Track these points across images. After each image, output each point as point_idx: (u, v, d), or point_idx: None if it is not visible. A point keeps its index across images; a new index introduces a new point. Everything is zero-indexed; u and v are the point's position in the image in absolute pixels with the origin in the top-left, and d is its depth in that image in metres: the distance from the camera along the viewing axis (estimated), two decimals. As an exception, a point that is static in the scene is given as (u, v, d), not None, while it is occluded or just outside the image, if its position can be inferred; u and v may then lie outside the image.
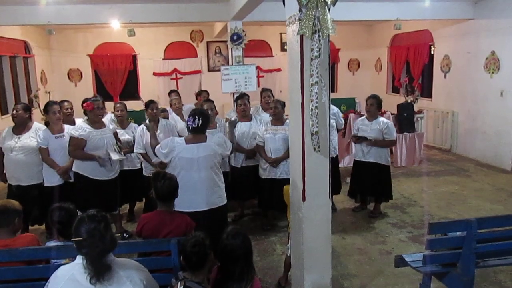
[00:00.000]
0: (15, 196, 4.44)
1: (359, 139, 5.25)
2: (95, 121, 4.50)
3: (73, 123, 4.93)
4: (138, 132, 4.94)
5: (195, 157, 3.52)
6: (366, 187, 5.36)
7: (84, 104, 4.52)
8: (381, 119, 5.25)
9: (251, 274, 2.36)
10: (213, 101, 5.26)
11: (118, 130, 4.93)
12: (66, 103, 5.04)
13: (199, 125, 3.53)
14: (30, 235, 2.90)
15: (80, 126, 4.47)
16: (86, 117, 4.56)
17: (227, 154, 3.88)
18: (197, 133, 3.58)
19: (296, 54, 2.76)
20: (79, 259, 1.91)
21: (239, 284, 2.30)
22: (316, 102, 2.71)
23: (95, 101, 4.51)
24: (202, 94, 6.94)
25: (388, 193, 5.38)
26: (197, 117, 3.53)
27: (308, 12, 2.58)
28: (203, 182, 3.55)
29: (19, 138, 4.57)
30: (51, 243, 2.78)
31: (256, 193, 5.25)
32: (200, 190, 3.54)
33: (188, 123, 3.59)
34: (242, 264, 2.33)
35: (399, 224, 5.15)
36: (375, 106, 5.21)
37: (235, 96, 6.31)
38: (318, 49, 2.65)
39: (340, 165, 6.65)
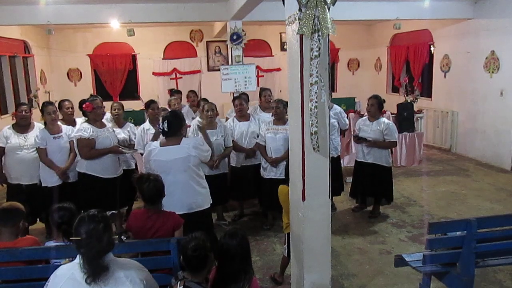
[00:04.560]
0: (17, 195, 4.45)
1: (359, 140, 5.23)
2: (96, 120, 4.48)
3: (73, 122, 4.93)
4: (138, 133, 4.95)
5: (168, 159, 3.51)
6: (366, 187, 5.34)
7: (84, 106, 4.49)
8: (383, 119, 5.21)
9: (249, 274, 2.36)
10: (206, 100, 5.27)
11: (114, 129, 4.92)
12: (66, 102, 5.02)
13: (165, 128, 3.54)
14: (31, 238, 2.90)
15: (87, 127, 4.38)
16: (85, 118, 4.56)
17: (206, 157, 3.69)
18: (168, 136, 3.58)
19: (295, 54, 2.76)
20: (78, 259, 1.92)
21: (237, 284, 2.30)
22: (316, 102, 2.70)
23: (93, 101, 4.46)
24: (189, 95, 6.96)
25: (388, 195, 5.33)
26: (163, 121, 3.56)
27: (307, 12, 2.58)
28: (177, 185, 3.50)
29: (25, 136, 4.58)
30: (51, 243, 2.78)
31: (256, 192, 5.25)
32: (174, 193, 3.45)
33: (159, 128, 3.65)
34: (239, 264, 2.33)
35: (399, 224, 5.15)
36: (375, 106, 5.17)
37: (234, 96, 6.32)
38: (317, 49, 2.63)
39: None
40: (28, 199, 4.38)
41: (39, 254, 2.66)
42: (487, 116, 7.93)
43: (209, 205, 3.80)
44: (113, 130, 4.75)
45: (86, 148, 4.35)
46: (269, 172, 4.83)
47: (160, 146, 3.58)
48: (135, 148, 4.92)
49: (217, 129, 4.88)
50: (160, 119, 4.94)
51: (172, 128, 3.55)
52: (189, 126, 4.90)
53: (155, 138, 4.18)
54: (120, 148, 4.45)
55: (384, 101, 5.31)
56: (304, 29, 2.59)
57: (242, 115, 5.21)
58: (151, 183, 2.92)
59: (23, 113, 4.61)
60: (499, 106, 7.61)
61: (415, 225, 5.09)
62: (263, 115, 5.45)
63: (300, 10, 2.61)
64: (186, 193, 3.57)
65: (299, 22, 2.61)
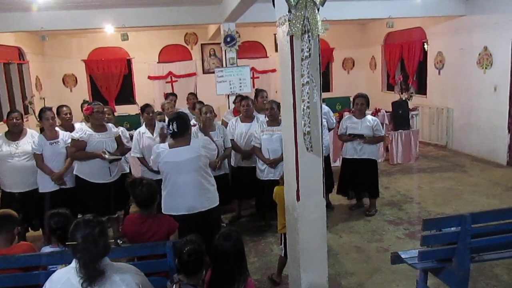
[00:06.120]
0: (10, 203, 4.45)
1: (354, 137, 5.28)
2: (96, 124, 4.54)
3: (72, 128, 4.93)
4: (134, 136, 4.96)
5: (179, 160, 3.51)
6: (359, 184, 5.41)
7: (84, 108, 4.57)
8: (369, 116, 5.39)
9: (243, 275, 2.36)
10: (202, 102, 5.26)
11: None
12: (64, 108, 5.01)
13: (175, 129, 3.53)
14: (26, 244, 2.91)
15: (81, 129, 4.53)
16: (84, 121, 4.60)
17: (213, 155, 3.78)
18: (177, 138, 3.58)
19: (286, 55, 2.78)
20: (74, 263, 1.92)
21: (232, 286, 2.31)
22: (308, 102, 2.72)
23: (95, 105, 4.56)
24: (189, 98, 6.99)
25: (376, 188, 5.47)
26: (171, 122, 3.55)
27: (297, 13, 2.60)
28: (189, 185, 3.53)
29: (17, 144, 4.57)
30: (47, 249, 2.79)
31: (253, 194, 5.25)
32: (186, 193, 3.50)
33: (167, 130, 3.63)
34: (233, 265, 2.34)
35: (396, 221, 5.17)
36: (365, 105, 5.31)
37: (236, 97, 6.33)
38: (308, 49, 2.66)
39: (336, 164, 6.69)
40: (21, 207, 4.37)
41: (34, 260, 2.66)
42: (482, 111, 7.96)
43: (219, 202, 3.81)
44: (119, 136, 4.78)
45: (73, 148, 4.48)
46: (267, 174, 4.83)
47: (169, 148, 3.57)
48: (128, 153, 4.94)
49: (216, 130, 4.92)
50: (166, 120, 4.96)
51: (181, 129, 3.55)
52: (194, 126, 4.92)
53: (162, 139, 4.16)
54: (103, 154, 4.42)
55: (369, 98, 5.44)
56: (294, 30, 2.62)
57: (248, 116, 5.23)
58: (144, 187, 2.93)
59: (14, 120, 4.60)
60: (493, 101, 7.64)
61: (412, 222, 5.11)
62: (259, 117, 5.46)
63: (289, 11, 2.64)
64: (198, 192, 3.58)
65: (289, 23, 2.63)
